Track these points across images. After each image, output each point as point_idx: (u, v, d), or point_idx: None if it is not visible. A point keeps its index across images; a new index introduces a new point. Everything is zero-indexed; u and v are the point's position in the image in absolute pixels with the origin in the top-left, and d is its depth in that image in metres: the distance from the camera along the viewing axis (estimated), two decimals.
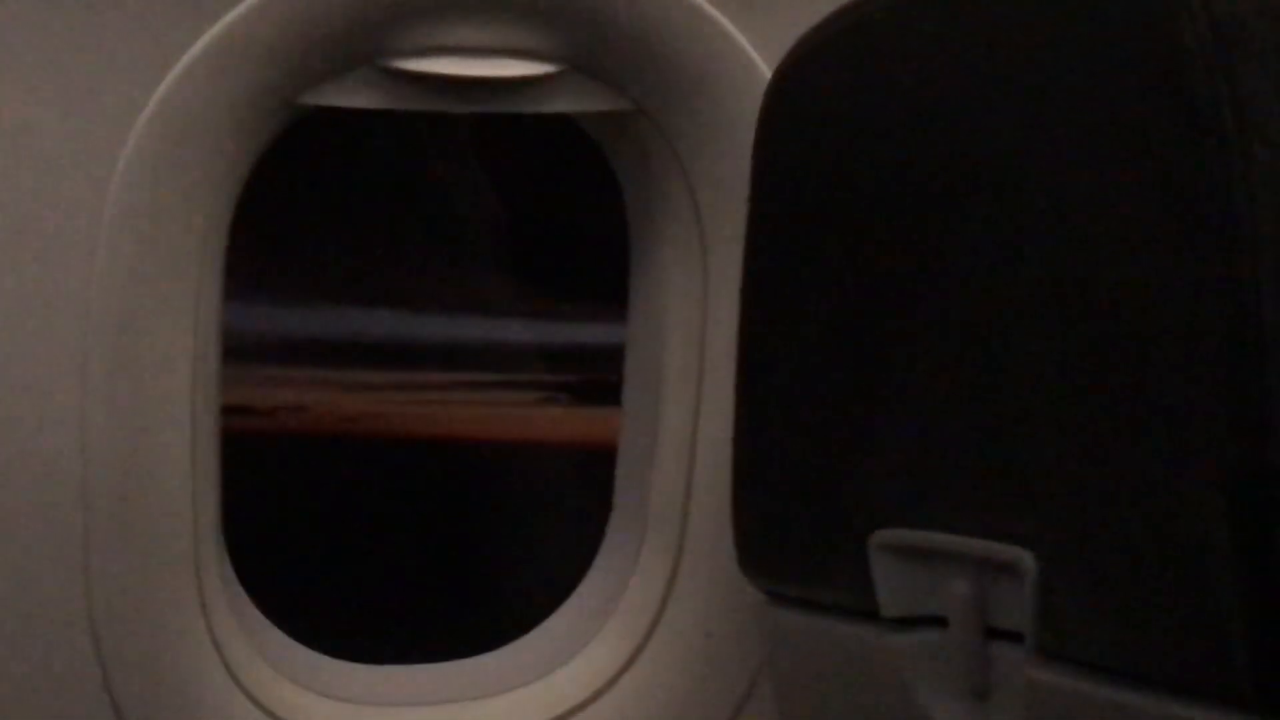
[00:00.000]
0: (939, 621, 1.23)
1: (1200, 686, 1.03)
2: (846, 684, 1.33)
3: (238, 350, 1.57)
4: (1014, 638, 1.17)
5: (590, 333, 2.04)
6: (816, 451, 1.33)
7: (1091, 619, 1.10)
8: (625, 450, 1.66)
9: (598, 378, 2.03)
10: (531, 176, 2.06)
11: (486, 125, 1.93)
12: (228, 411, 1.57)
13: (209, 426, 1.53)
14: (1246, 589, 1.00)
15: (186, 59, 1.48)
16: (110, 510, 1.49)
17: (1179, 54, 1.02)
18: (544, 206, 2.06)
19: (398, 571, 2.00)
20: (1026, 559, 1.14)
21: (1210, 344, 1.02)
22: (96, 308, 1.48)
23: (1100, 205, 1.09)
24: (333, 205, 1.96)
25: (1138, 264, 1.06)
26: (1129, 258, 1.07)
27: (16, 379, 1.48)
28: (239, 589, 1.60)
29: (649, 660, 1.62)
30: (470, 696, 1.62)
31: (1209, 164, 1.01)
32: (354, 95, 1.53)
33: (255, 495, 1.63)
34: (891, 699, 1.26)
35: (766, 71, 1.47)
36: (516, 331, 2.05)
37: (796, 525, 1.36)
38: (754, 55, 1.54)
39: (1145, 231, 1.06)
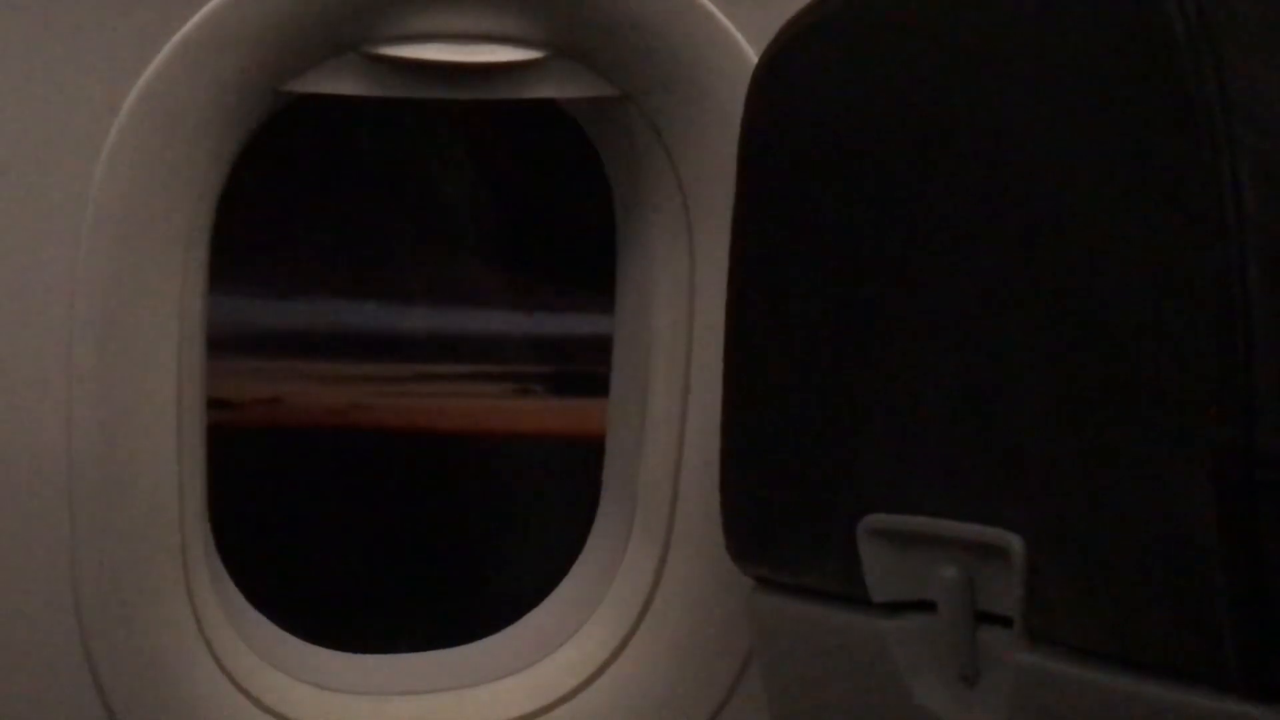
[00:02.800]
0: (928, 606, 1.23)
1: (1188, 670, 1.03)
2: (835, 669, 1.33)
3: (210, 342, 1.57)
4: (1002, 622, 1.17)
5: (566, 323, 2.04)
6: (805, 437, 1.33)
7: (1079, 603, 1.10)
8: (613, 437, 1.66)
9: (572, 368, 2.03)
10: (518, 164, 2.05)
11: (472, 112, 1.92)
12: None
13: (194, 417, 1.53)
14: (1234, 573, 1.00)
15: (169, 47, 1.47)
16: (97, 500, 1.49)
17: (1167, 41, 1.03)
18: (530, 194, 2.06)
19: (384, 561, 2.00)
20: (1015, 543, 1.14)
21: (1198, 328, 1.02)
22: (81, 298, 1.48)
23: (1088, 191, 1.09)
24: (312, 194, 1.96)
25: (1126, 249, 1.06)
26: (1117, 243, 1.07)
27: (2, 370, 1.48)
28: (226, 578, 1.59)
29: (639, 647, 1.62)
30: (458, 685, 1.62)
31: (1196, 149, 1.01)
32: (338, 82, 1.53)
33: (240, 487, 1.62)
34: (880, 683, 1.26)
35: (753, 57, 1.47)
36: (492, 323, 2.05)
37: (785, 511, 1.36)
38: (740, 40, 1.54)
39: (1133, 217, 1.06)
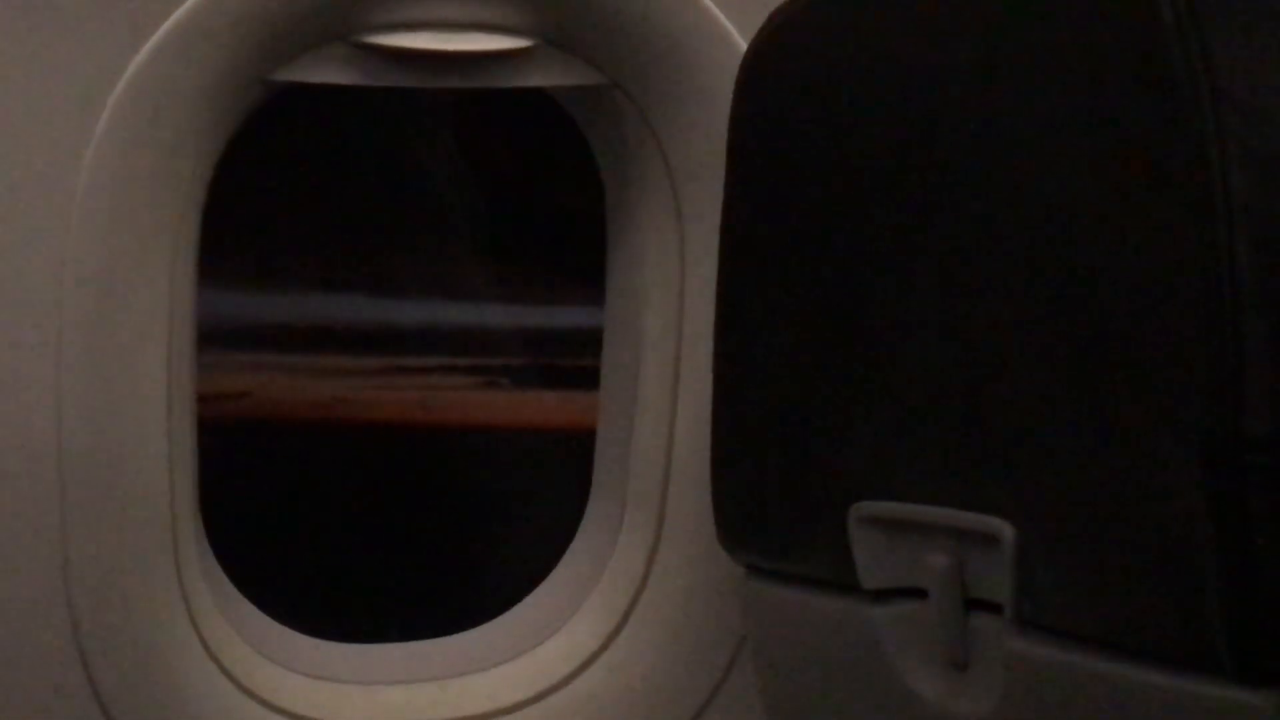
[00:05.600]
0: (918, 593, 1.24)
1: (1178, 655, 1.04)
2: (827, 656, 1.33)
3: None
4: (993, 609, 1.17)
5: (540, 315, 2.04)
6: (795, 425, 1.33)
7: (1070, 589, 1.10)
8: (604, 425, 1.66)
9: (539, 361, 2.03)
10: (508, 153, 2.05)
11: (462, 101, 1.92)
12: None
13: (185, 407, 1.53)
14: (1223, 558, 1.01)
15: (158, 35, 1.47)
16: (88, 493, 1.49)
17: (1155, 27, 1.03)
18: (519, 184, 2.06)
19: (375, 551, 2.00)
20: (1005, 529, 1.14)
21: (1186, 313, 1.02)
22: (71, 290, 1.48)
23: (1077, 175, 1.09)
24: (290, 186, 1.96)
25: (1114, 234, 1.06)
26: (1105, 229, 1.07)
27: None
28: (217, 569, 1.59)
29: (631, 635, 1.62)
30: (450, 674, 1.62)
31: (1185, 135, 1.02)
32: (327, 71, 1.52)
33: (229, 477, 1.62)
34: (871, 671, 1.26)
35: (742, 44, 1.47)
36: (467, 315, 2.05)
37: (776, 499, 1.36)
38: (729, 28, 1.54)
39: (1121, 202, 1.06)
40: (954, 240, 1.18)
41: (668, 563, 1.61)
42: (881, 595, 1.26)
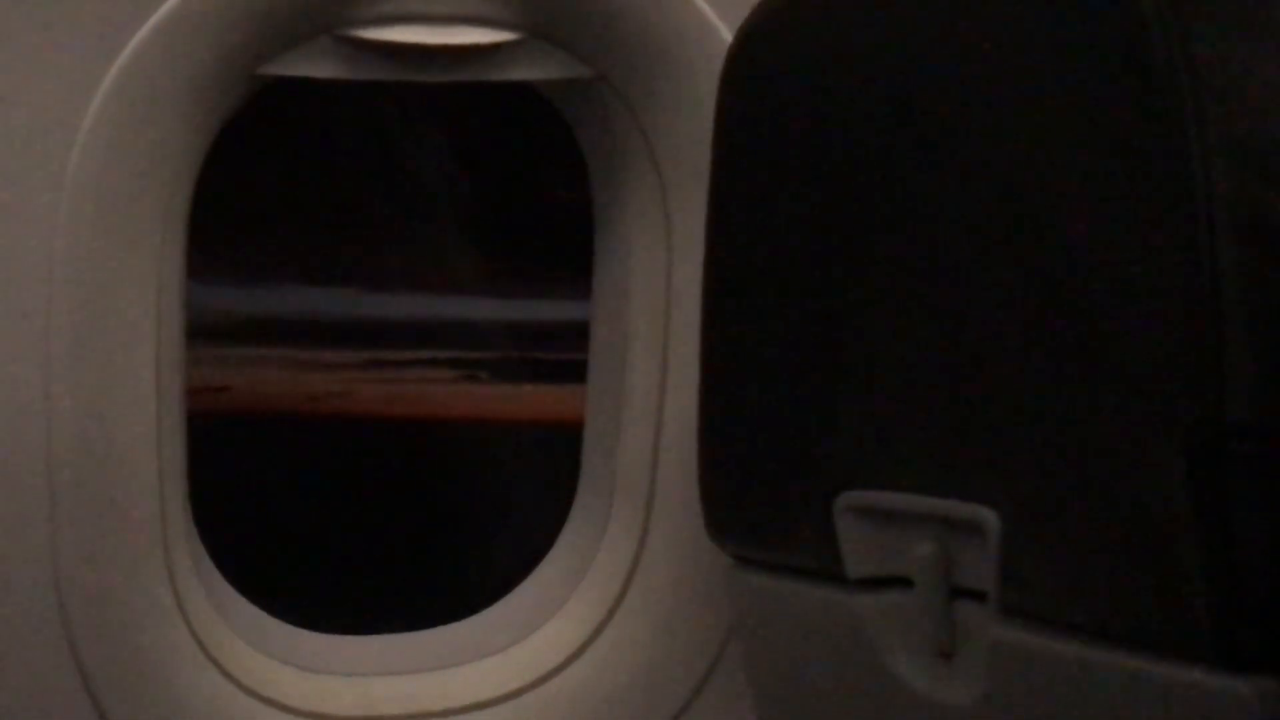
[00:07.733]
0: (904, 582, 1.24)
1: (1161, 642, 1.04)
2: (814, 645, 1.33)
3: None
4: (978, 597, 1.18)
5: (516, 309, 2.04)
6: (782, 415, 1.33)
7: (1054, 577, 1.11)
8: (592, 417, 1.67)
9: (521, 355, 2.03)
10: (496, 148, 2.05)
11: (448, 95, 1.93)
12: None
13: (174, 401, 1.53)
14: (1206, 546, 1.01)
15: (145, 29, 1.47)
16: (77, 489, 1.49)
17: (1136, 17, 1.03)
18: (506, 178, 2.06)
19: (364, 543, 2.00)
20: (990, 518, 1.14)
21: (1169, 303, 1.02)
22: (59, 283, 1.48)
23: (1058, 165, 1.10)
24: (277, 181, 1.96)
25: (1097, 226, 1.07)
26: (1089, 220, 1.07)
27: None
28: (208, 562, 1.60)
29: (620, 625, 1.62)
30: (440, 665, 1.62)
31: (1165, 126, 1.02)
32: (314, 65, 1.53)
33: (209, 471, 1.63)
34: (858, 659, 1.27)
35: (727, 37, 1.47)
36: (439, 308, 2.05)
37: (762, 489, 1.36)
38: (715, 20, 1.54)
39: (1103, 191, 1.07)
40: (938, 230, 1.18)
41: (655, 554, 1.61)
42: (867, 584, 1.27)
